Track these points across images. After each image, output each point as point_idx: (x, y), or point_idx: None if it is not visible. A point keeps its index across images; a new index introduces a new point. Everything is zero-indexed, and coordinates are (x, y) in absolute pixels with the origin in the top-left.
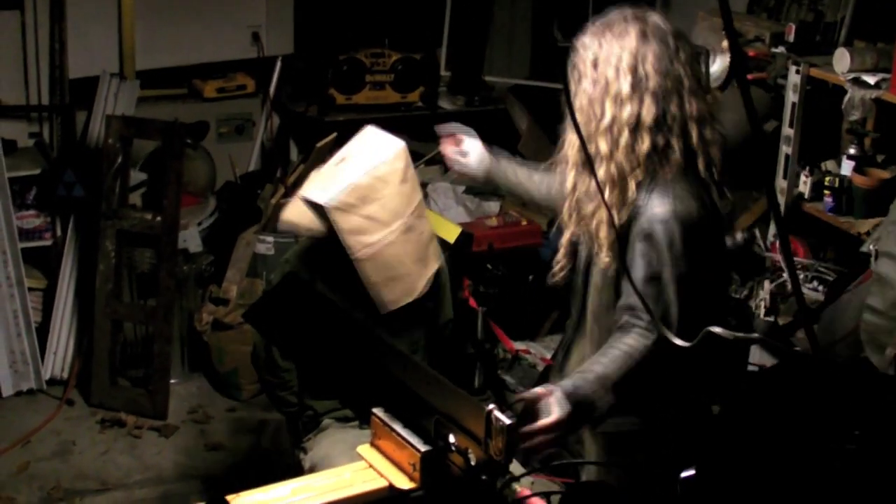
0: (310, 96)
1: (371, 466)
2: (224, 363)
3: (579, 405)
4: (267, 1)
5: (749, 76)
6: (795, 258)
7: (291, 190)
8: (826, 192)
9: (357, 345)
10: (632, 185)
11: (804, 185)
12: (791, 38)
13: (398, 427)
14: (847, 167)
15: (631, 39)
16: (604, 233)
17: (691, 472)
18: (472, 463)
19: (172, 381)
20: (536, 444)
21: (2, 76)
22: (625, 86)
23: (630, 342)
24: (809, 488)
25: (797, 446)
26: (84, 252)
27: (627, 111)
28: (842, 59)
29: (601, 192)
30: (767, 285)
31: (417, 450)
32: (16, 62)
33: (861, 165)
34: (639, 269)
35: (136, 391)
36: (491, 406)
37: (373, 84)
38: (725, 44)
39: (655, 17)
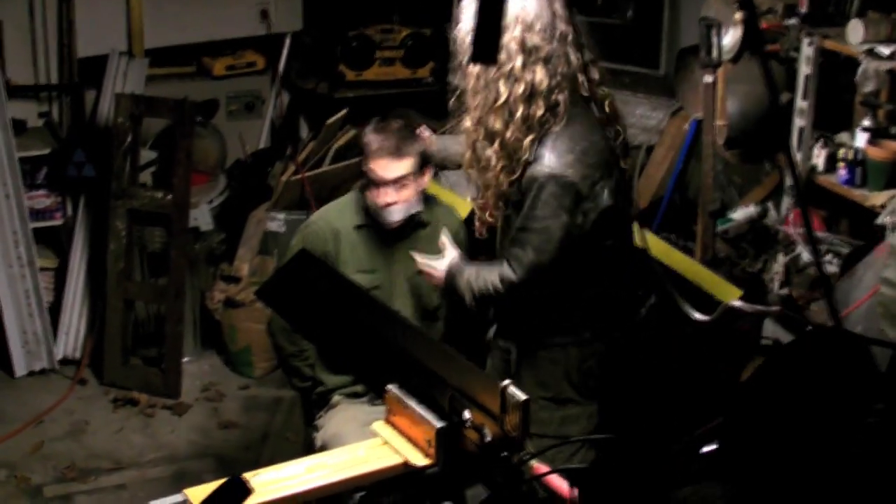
0: (319, 73)
1: (386, 443)
2: (236, 341)
3: (455, 274)
4: None
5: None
6: (804, 230)
7: (301, 167)
8: (840, 164)
9: (370, 321)
10: (525, 146)
11: (818, 157)
12: (804, 9)
13: (413, 403)
14: (861, 139)
15: (515, 11)
16: (495, 197)
17: (713, 446)
18: (488, 439)
19: (185, 359)
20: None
21: (11, 56)
22: (517, 62)
23: (502, 269)
24: (831, 462)
25: (818, 420)
26: (95, 231)
27: (522, 86)
28: (855, 31)
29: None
30: (781, 258)
31: (433, 426)
32: (24, 42)
33: (875, 137)
34: (519, 218)
35: (149, 370)
36: (506, 382)
37: (382, 60)
38: (737, 16)
39: None
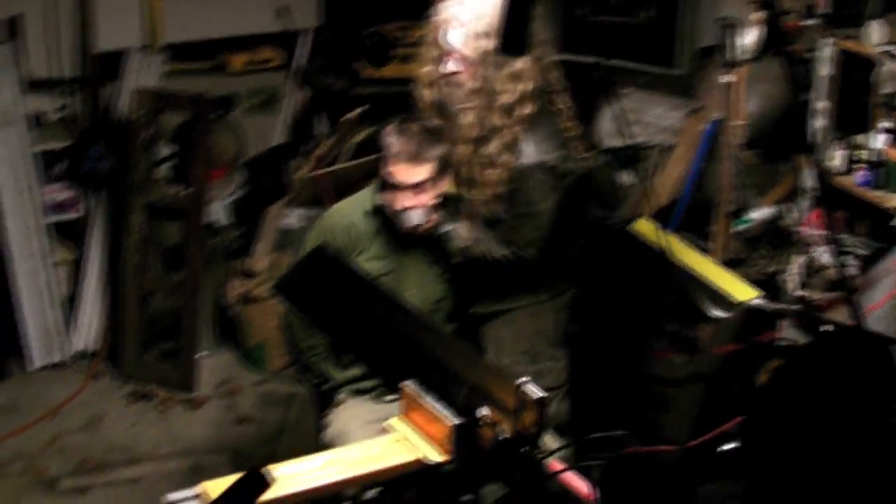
0: (337, 70)
1: (402, 439)
2: (252, 336)
3: (447, 232)
4: None
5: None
6: (828, 232)
7: (318, 164)
8: (858, 165)
9: (387, 316)
10: (520, 140)
11: (836, 158)
12: (823, 9)
13: (429, 400)
14: (880, 140)
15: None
16: (494, 189)
17: (733, 444)
18: (503, 436)
19: (201, 354)
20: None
21: (30, 50)
22: (521, 63)
23: (506, 253)
24: (851, 461)
25: (839, 419)
26: (112, 225)
27: (522, 85)
28: (874, 32)
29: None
30: (798, 259)
31: (449, 422)
32: (44, 36)
33: (895, 139)
34: (513, 206)
35: (165, 364)
36: (522, 379)
37: (401, 57)
38: (756, 16)
39: None
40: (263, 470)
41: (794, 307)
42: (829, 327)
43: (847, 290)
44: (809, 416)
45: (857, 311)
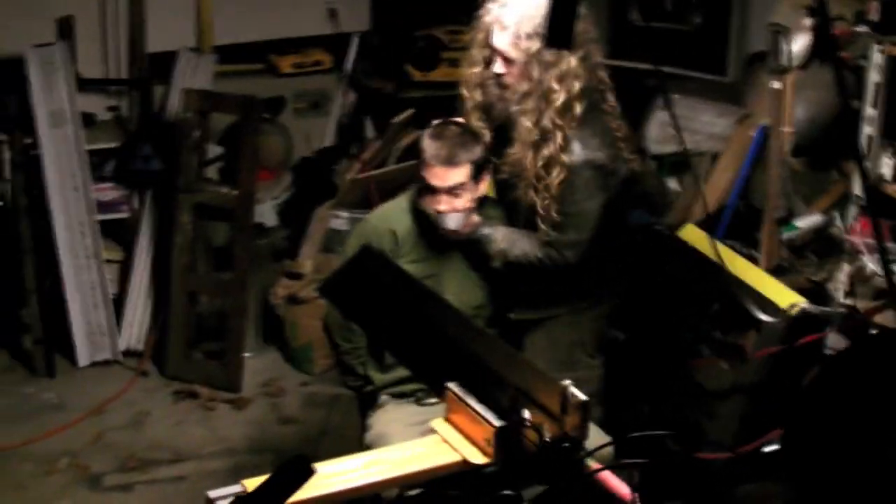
0: (386, 73)
1: (445, 440)
2: (298, 337)
3: (489, 232)
4: None
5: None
6: (875, 240)
7: (366, 166)
8: None
9: (432, 317)
10: (573, 138)
11: (887, 166)
12: (874, 16)
13: (472, 402)
14: None
15: None
16: (556, 190)
17: (775, 446)
18: (547, 439)
19: (246, 354)
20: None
21: (81, 50)
22: (572, 61)
23: (548, 251)
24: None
25: (880, 423)
26: (160, 225)
27: (577, 84)
28: None
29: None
30: (846, 268)
31: (492, 425)
32: (95, 36)
33: None
34: (559, 204)
35: (211, 364)
36: (566, 382)
37: (450, 61)
38: (806, 22)
39: None
40: (305, 458)
41: (839, 310)
42: (874, 331)
43: (894, 296)
44: (851, 419)
45: None
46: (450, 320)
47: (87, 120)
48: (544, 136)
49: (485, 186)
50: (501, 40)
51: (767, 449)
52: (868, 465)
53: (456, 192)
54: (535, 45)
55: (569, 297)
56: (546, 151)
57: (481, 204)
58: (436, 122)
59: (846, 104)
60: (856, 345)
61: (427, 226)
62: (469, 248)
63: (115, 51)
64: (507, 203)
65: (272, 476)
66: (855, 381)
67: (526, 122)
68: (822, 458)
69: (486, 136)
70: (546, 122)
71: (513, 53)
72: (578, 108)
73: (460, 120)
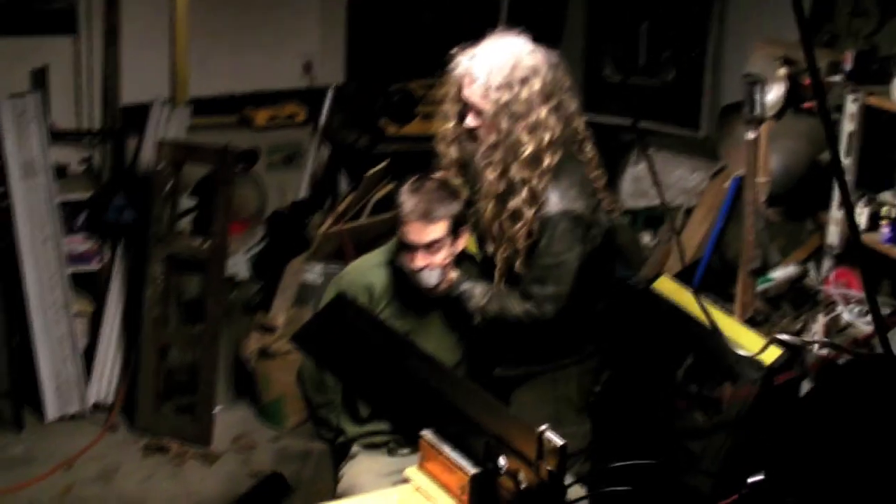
0: (360, 126)
1: (418, 489)
2: (269, 391)
3: (467, 288)
4: (319, 31)
5: (805, 105)
6: (850, 290)
7: (340, 219)
8: (882, 222)
9: (407, 365)
10: (547, 190)
11: (860, 216)
12: (848, 66)
13: (447, 449)
14: None
15: (531, 62)
16: (522, 242)
17: (759, 476)
18: (523, 486)
19: (217, 408)
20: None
21: (55, 101)
22: (542, 112)
23: (525, 305)
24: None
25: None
26: (132, 277)
27: (548, 135)
28: None
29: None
30: (821, 318)
31: (466, 472)
32: (69, 87)
33: None
34: (536, 256)
35: (181, 417)
36: (542, 427)
37: (424, 114)
38: (781, 72)
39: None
40: (282, 476)
41: (821, 339)
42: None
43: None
44: (831, 447)
45: (885, 342)
46: (424, 365)
47: (60, 171)
48: (510, 189)
49: (464, 242)
50: (472, 92)
51: (753, 479)
52: (851, 489)
53: (433, 248)
54: (505, 96)
55: (552, 352)
56: (512, 204)
57: (460, 260)
58: (413, 177)
59: (835, 153)
60: (827, 376)
61: (405, 281)
62: (448, 304)
63: (88, 102)
64: (484, 258)
65: (249, 492)
66: (849, 404)
67: (490, 175)
68: (808, 488)
69: (465, 192)
70: (513, 174)
71: (483, 105)
72: (548, 160)
73: (438, 175)
